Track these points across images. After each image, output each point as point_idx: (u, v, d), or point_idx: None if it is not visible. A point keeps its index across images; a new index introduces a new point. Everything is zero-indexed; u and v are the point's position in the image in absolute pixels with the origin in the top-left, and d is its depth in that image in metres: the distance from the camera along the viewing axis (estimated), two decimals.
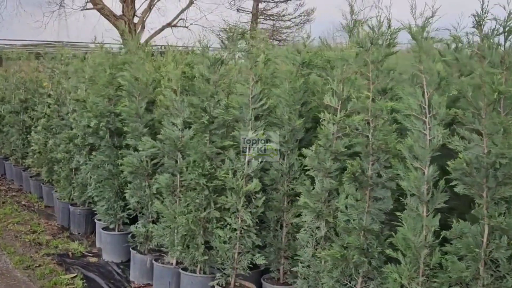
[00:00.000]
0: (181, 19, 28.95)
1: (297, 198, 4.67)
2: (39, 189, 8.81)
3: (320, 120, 3.97)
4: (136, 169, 5.39)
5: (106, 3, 26.19)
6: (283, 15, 23.71)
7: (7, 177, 10.45)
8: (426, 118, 3.15)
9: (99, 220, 6.33)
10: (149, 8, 27.44)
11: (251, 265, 4.58)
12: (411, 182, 3.08)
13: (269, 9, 23.86)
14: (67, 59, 8.58)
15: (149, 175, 5.41)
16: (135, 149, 5.47)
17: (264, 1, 23.92)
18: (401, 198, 3.20)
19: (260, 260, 4.51)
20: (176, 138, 5.03)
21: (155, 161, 5.27)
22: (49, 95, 9.12)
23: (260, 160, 4.51)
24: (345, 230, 3.54)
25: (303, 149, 4.04)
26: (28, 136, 9.37)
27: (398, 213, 3.20)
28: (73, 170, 7.42)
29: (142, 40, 27.77)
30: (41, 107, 9.26)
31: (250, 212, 4.48)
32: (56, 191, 7.91)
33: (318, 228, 3.94)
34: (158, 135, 5.50)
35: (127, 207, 5.87)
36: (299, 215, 4.66)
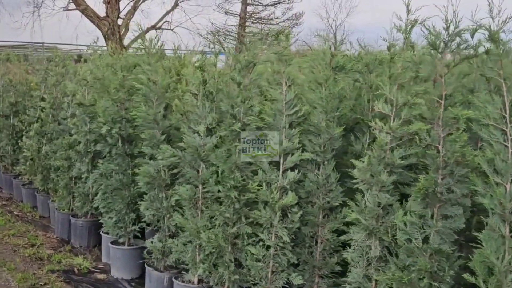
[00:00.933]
0: (166, 21, 28.48)
1: (333, 212, 4.39)
2: (33, 198, 8.31)
3: (371, 129, 3.65)
4: (153, 180, 4.99)
5: (89, 4, 25.57)
6: (271, 19, 23.40)
7: None
8: (507, 128, 2.85)
9: (106, 233, 5.89)
10: (134, 9, 26.89)
11: (286, 286, 4.23)
12: (494, 199, 2.77)
13: (258, 13, 23.56)
14: (63, 60, 8.11)
15: (167, 186, 5.02)
16: (151, 158, 5.07)
17: (252, 5, 23.60)
18: (481, 216, 2.89)
19: (297, 280, 4.15)
20: (198, 147, 4.66)
21: (175, 171, 4.87)
22: (43, 99, 8.64)
23: (297, 171, 4.17)
24: (407, 250, 3.21)
25: (353, 160, 3.71)
26: (19, 141, 8.85)
27: (476, 233, 2.89)
28: (73, 178, 6.97)
29: (126, 42, 27.23)
30: (34, 111, 8.76)
31: (286, 227, 4.13)
32: (53, 201, 7.44)
33: (369, 246, 3.61)
34: (173, 142, 5.16)
35: (141, 220, 5.47)
36: (335, 230, 4.36)
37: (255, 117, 4.24)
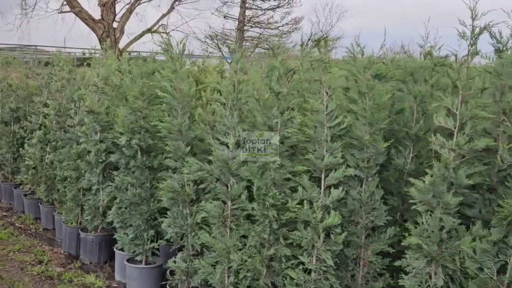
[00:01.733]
0: (161, 24, 28.08)
1: (376, 232, 4.08)
2: (35, 209, 7.91)
3: (431, 144, 3.33)
4: (177, 195, 4.64)
5: (84, 7, 25.12)
6: (270, 23, 23.10)
7: None
8: None
9: (121, 249, 5.53)
10: (130, 12, 26.47)
11: None
12: None
13: (257, 17, 23.24)
14: (69, 65, 7.74)
15: (192, 202, 4.67)
16: (174, 171, 4.73)
17: (251, 9, 23.27)
18: None
19: None
20: (227, 160, 4.32)
21: (202, 186, 4.53)
22: (45, 104, 8.26)
23: (341, 188, 3.84)
24: (480, 281, 2.90)
25: (412, 179, 3.39)
26: (20, 149, 8.44)
27: None
28: (81, 190, 6.60)
29: (121, 46, 26.80)
30: (36, 118, 8.37)
31: (330, 250, 3.81)
32: (59, 213, 7.05)
33: (429, 274, 3.29)
34: (196, 155, 4.83)
35: (160, 236, 5.12)
36: (379, 253, 4.04)
37: (296, 130, 3.91)
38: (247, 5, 23.16)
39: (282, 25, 22.97)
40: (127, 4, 26.17)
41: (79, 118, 7.01)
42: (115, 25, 25.88)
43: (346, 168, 3.88)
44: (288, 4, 23.05)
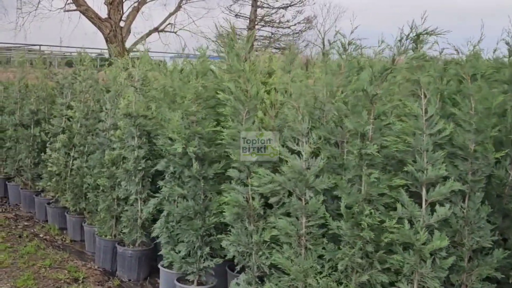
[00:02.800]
0: (169, 23, 27.60)
1: (480, 254, 3.58)
2: (60, 218, 7.37)
3: None
4: (243, 209, 4.13)
5: (90, 5, 24.58)
6: (281, 22, 22.53)
7: (9, 201, 8.88)
8: None
9: (167, 267, 5.01)
10: (137, 11, 25.95)
11: None
12: None
13: (269, 15, 22.67)
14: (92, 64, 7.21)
15: (258, 217, 4.16)
16: (238, 183, 4.21)
17: (263, 7, 22.72)
18: None
19: None
20: (302, 170, 3.82)
21: (273, 199, 4.01)
22: (69, 107, 7.73)
23: (448, 205, 3.33)
24: None
25: None
26: (42, 154, 7.89)
27: None
28: (115, 199, 6.07)
29: (128, 45, 26.27)
30: (58, 120, 7.84)
31: (436, 276, 3.30)
32: (89, 224, 6.53)
33: None
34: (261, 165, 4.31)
35: (216, 254, 4.61)
36: (486, 278, 3.54)
37: (396, 138, 3.40)
38: (258, 3, 22.64)
39: (295, 24, 22.48)
40: (135, 2, 25.66)
41: (110, 121, 6.49)
42: (121, 24, 25.37)
43: (447, 181, 3.38)
44: (300, 2, 22.52)
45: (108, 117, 6.53)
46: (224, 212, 4.43)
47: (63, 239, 6.98)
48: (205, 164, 4.67)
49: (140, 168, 5.65)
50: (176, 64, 5.87)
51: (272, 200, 4.02)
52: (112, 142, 6.21)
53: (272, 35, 22.85)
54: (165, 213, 4.94)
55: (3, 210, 8.34)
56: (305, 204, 3.83)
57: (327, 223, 3.70)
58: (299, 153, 3.91)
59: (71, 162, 7.49)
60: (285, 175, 3.91)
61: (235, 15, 22.83)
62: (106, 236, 6.06)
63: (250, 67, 4.18)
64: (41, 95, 8.43)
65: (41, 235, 7.09)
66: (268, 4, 22.71)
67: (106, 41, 24.72)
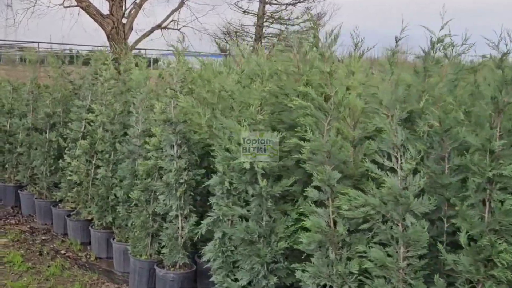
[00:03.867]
0: (172, 20, 26.83)
1: None
2: (82, 232, 6.74)
3: None
4: (325, 236, 3.52)
5: (92, 1, 23.78)
6: (289, 19, 21.84)
7: (22, 212, 8.21)
8: None
9: None
10: (139, 7, 25.17)
11: None
12: None
13: (277, 12, 21.99)
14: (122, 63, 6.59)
15: (343, 244, 3.55)
16: (318, 204, 3.61)
17: (271, 3, 22.01)
18: None
19: None
20: (400, 191, 3.22)
21: (365, 225, 3.40)
22: (89, 109, 7.10)
23: None
24: None
25: None
26: (60, 161, 7.24)
27: None
28: (151, 215, 5.45)
29: (130, 43, 25.56)
30: (78, 124, 7.19)
31: None
32: (119, 241, 5.91)
33: None
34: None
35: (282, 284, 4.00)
36: None
37: None
38: (266, 0, 21.95)
39: (304, 21, 21.79)
40: None
41: (142, 127, 5.86)
42: (124, 21, 24.61)
43: None
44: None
45: (139, 122, 5.89)
46: (293, 235, 3.86)
47: (88, 256, 6.35)
48: (270, 181, 4.06)
49: (182, 181, 5.03)
50: (209, 63, 5.25)
51: (364, 226, 3.42)
52: (146, 150, 5.59)
53: (281, 32, 22.26)
54: (219, 234, 4.32)
55: (17, 222, 7.68)
56: (404, 230, 3.24)
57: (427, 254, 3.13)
58: (392, 170, 3.33)
59: (92, 170, 6.88)
60: (378, 196, 3.32)
61: (243, 11, 22.18)
62: (141, 255, 5.43)
63: (331, 69, 3.56)
64: (56, 97, 7.77)
65: (62, 251, 6.45)
66: (276, 1, 22.05)
67: (108, 38, 23.96)
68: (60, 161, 7.23)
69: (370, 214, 3.34)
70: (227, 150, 4.19)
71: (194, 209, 5.15)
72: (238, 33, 21.85)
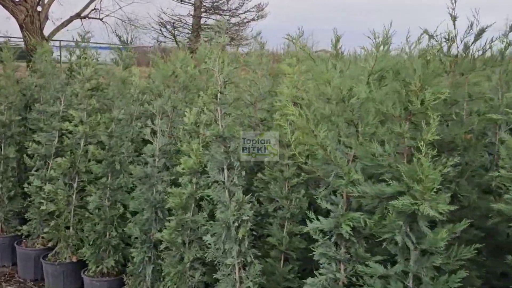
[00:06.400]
0: (94, 9, 24.46)
1: None
2: (67, 279, 5.13)
3: None
4: None
5: None
6: (229, 10, 20.38)
7: None
8: None
9: None
10: None
11: None
12: None
13: (215, 2, 20.42)
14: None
15: None
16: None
17: None
18: None
19: None
20: None
21: None
22: (63, 117, 5.53)
23: None
24: None
25: None
26: (26, 186, 5.56)
27: None
28: (190, 262, 4.07)
29: (46, 33, 23.10)
30: (48, 137, 5.56)
31: None
32: None
33: None
34: None
35: None
36: None
37: None
38: None
39: (244, 12, 20.46)
40: None
41: (162, 142, 4.44)
42: (39, 8, 21.99)
43: None
44: None
45: (158, 136, 4.46)
46: None
47: None
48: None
49: (245, 218, 3.72)
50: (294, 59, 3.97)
51: None
52: (167, 173, 4.20)
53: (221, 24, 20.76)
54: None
55: None
56: None
57: None
58: None
59: (74, 197, 5.32)
60: None
61: (180, 1, 20.33)
62: None
63: None
64: (15, 101, 6.02)
65: None
66: None
67: (21, 28, 21.31)
68: (26, 185, 5.55)
69: None
70: (352, 182, 2.95)
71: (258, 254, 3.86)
72: (175, 24, 20.12)
